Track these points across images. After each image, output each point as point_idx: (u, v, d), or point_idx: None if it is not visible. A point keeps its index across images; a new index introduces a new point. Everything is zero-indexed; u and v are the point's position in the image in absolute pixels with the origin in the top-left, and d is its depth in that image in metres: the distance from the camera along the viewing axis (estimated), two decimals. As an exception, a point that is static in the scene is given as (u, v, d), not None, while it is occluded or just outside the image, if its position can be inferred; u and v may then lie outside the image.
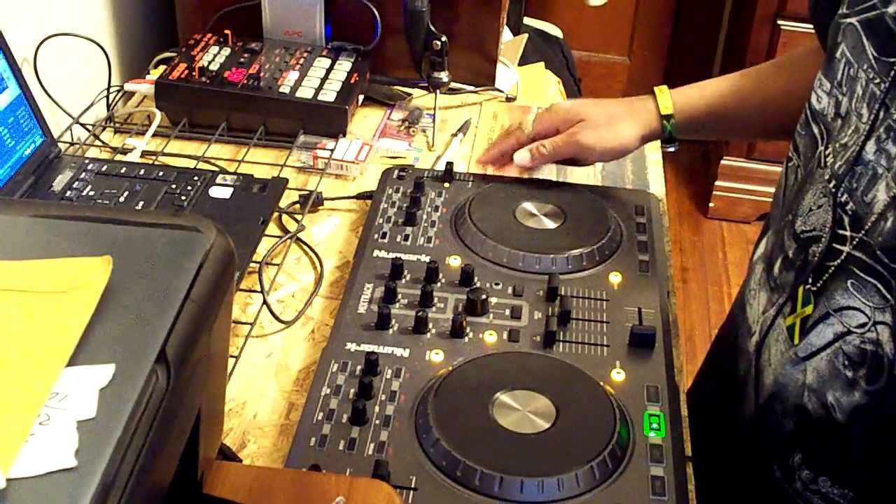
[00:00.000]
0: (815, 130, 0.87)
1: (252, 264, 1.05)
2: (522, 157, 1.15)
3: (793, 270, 0.87)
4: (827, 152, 0.84)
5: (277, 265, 1.08)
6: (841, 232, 0.80)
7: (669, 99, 1.10)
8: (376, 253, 1.05)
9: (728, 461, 1.01)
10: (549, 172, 1.28)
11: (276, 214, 1.14)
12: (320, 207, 1.19)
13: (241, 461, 0.85)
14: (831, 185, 0.82)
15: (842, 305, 0.80)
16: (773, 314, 0.90)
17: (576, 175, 1.28)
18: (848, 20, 0.81)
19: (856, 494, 0.84)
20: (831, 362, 0.82)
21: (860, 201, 0.78)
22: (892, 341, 0.76)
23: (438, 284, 1.00)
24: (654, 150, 1.35)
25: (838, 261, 0.80)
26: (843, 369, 0.80)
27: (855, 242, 0.79)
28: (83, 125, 1.29)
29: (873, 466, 0.82)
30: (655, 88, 1.11)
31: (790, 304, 0.87)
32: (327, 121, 1.29)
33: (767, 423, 0.92)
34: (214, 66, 1.31)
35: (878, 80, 0.77)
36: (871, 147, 0.78)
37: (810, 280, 0.84)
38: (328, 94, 1.30)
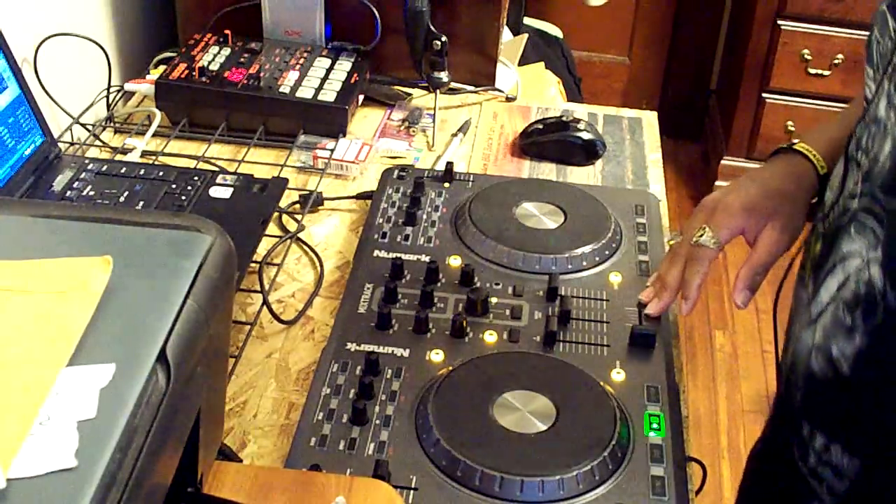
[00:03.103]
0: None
1: (252, 264, 1.05)
2: (745, 298, 0.97)
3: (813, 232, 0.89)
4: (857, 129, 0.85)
5: (277, 265, 1.08)
6: (852, 187, 0.81)
7: (821, 156, 0.98)
8: (376, 253, 1.05)
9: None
10: (549, 172, 1.29)
11: (276, 214, 1.14)
12: (320, 207, 1.19)
13: (241, 461, 0.85)
14: (848, 146, 0.82)
15: (844, 253, 0.80)
16: (797, 283, 0.91)
17: (576, 175, 1.28)
18: (881, 8, 0.82)
19: (863, 463, 0.83)
20: (834, 314, 0.82)
21: (873, 158, 0.78)
22: (882, 274, 0.76)
23: (438, 284, 1.00)
24: (654, 150, 1.35)
25: (847, 215, 0.81)
26: (843, 317, 0.80)
27: (859, 192, 0.79)
28: (83, 125, 1.29)
29: (881, 424, 0.82)
30: (798, 147, 0.98)
31: (806, 252, 0.88)
32: (327, 121, 1.29)
33: (786, 397, 0.92)
34: (214, 66, 1.31)
35: (890, 43, 0.78)
36: (882, 104, 0.78)
37: (821, 226, 0.85)
38: (328, 94, 1.30)
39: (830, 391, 0.83)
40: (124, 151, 1.24)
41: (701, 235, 0.95)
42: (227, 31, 1.38)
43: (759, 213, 0.95)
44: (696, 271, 0.96)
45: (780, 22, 2.56)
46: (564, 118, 1.31)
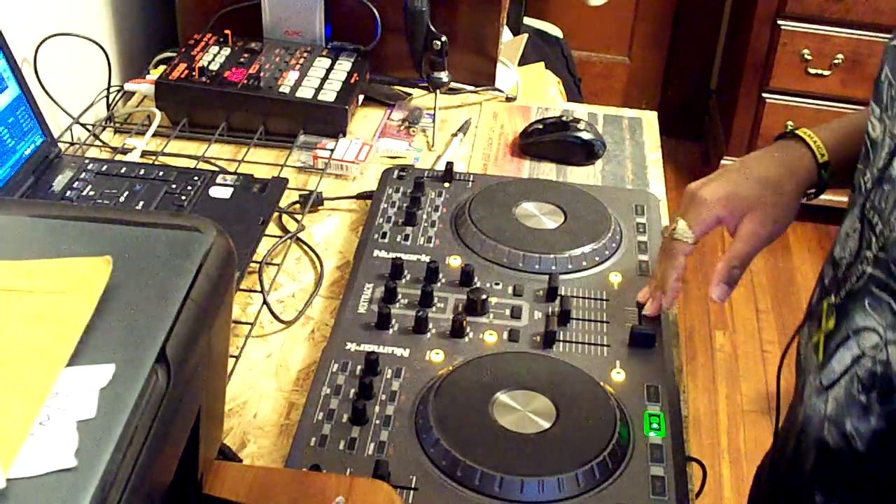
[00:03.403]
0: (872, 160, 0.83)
1: (252, 264, 1.05)
2: (721, 292, 0.92)
3: (825, 295, 0.84)
4: (866, 178, 0.80)
5: (277, 265, 1.08)
6: (867, 253, 0.77)
7: (822, 143, 0.92)
8: (376, 253, 1.05)
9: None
10: (549, 172, 1.29)
11: (276, 214, 1.14)
12: (320, 207, 1.19)
13: (241, 461, 0.85)
14: (863, 205, 0.78)
15: (859, 327, 0.77)
16: (805, 340, 0.87)
17: (576, 175, 1.28)
18: (893, 42, 0.78)
19: None
20: (848, 389, 0.78)
21: (887, 221, 0.74)
22: None
23: (438, 284, 1.00)
24: (653, 150, 1.35)
25: (861, 281, 0.77)
26: (858, 395, 0.77)
27: (876, 259, 0.75)
28: (83, 125, 1.29)
29: None
30: (799, 132, 0.93)
31: (817, 322, 0.83)
32: (327, 121, 1.29)
33: (795, 461, 0.88)
34: (214, 66, 1.31)
35: None
36: None
37: (833, 296, 0.81)
38: (328, 94, 1.30)
39: (845, 463, 0.80)
40: (124, 151, 1.24)
41: (674, 229, 0.92)
42: (227, 31, 1.38)
43: (737, 203, 0.90)
44: (672, 265, 0.93)
45: (780, 22, 2.56)
46: (564, 118, 1.31)
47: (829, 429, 0.81)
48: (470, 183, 1.17)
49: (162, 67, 1.36)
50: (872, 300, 0.75)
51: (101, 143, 1.28)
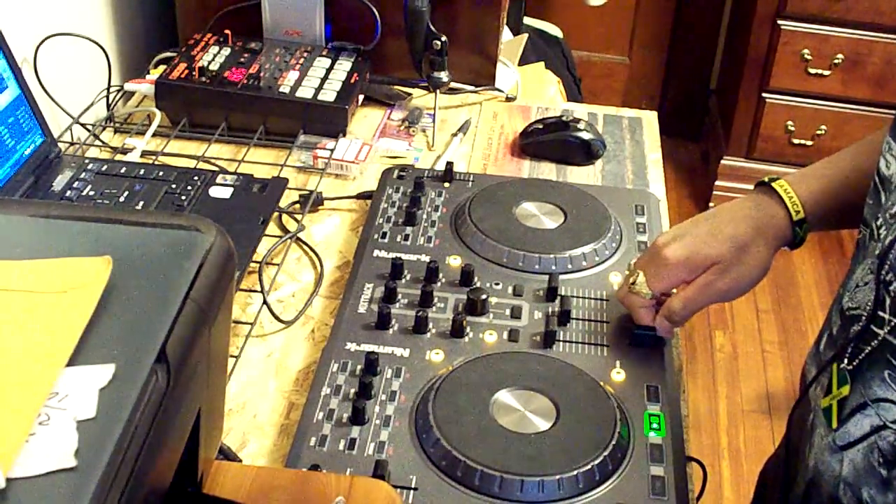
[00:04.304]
0: (882, 199, 0.79)
1: (252, 264, 1.05)
2: (663, 327, 0.93)
3: (833, 349, 0.81)
4: (879, 223, 0.77)
5: (277, 265, 1.08)
6: (881, 314, 0.74)
7: (798, 200, 0.89)
8: (376, 253, 1.05)
9: None
10: (549, 172, 1.29)
11: (276, 214, 1.14)
12: (320, 207, 1.19)
13: (241, 461, 0.85)
14: (880, 260, 0.74)
15: (879, 396, 0.74)
16: (815, 392, 0.85)
17: (576, 175, 1.28)
18: None
19: None
20: (867, 457, 0.76)
21: None
22: None
23: (438, 284, 1.00)
24: (653, 150, 1.35)
25: (874, 343, 0.74)
26: (878, 466, 0.75)
27: (892, 326, 0.72)
28: (83, 125, 1.29)
29: None
30: (776, 185, 0.90)
31: (826, 382, 0.81)
32: (327, 121, 1.29)
33: None
34: (214, 66, 1.31)
35: None
36: None
37: (845, 360, 0.78)
38: (328, 94, 1.30)
39: None
40: (124, 151, 1.24)
41: (633, 282, 0.92)
42: (227, 31, 1.38)
43: (699, 261, 0.88)
44: (639, 319, 0.93)
45: (780, 22, 2.56)
46: (564, 118, 1.31)
47: (845, 491, 0.78)
48: (470, 183, 1.17)
49: (162, 67, 1.36)
50: (892, 371, 0.72)
51: (101, 143, 1.27)
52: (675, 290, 0.92)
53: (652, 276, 0.91)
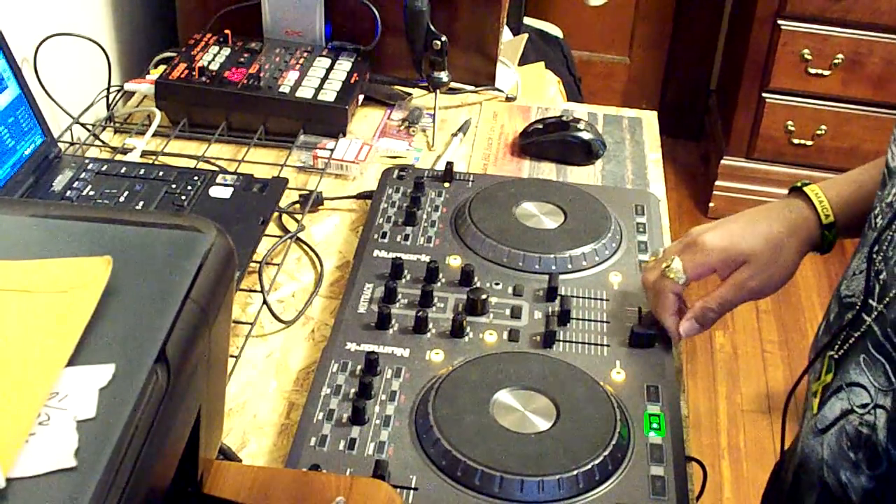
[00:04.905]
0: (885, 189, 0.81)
1: (252, 264, 1.05)
2: (690, 328, 0.93)
3: (828, 336, 0.83)
4: (876, 212, 0.79)
5: (277, 265, 1.08)
6: (871, 302, 0.75)
7: (828, 204, 0.91)
8: (376, 253, 1.05)
9: None
10: (549, 172, 1.29)
11: (276, 214, 1.14)
12: (320, 207, 1.19)
13: (241, 461, 0.85)
14: (872, 246, 0.76)
15: (852, 381, 0.76)
16: (811, 378, 0.87)
17: (576, 175, 1.28)
18: None
19: None
20: (839, 441, 0.78)
21: (892, 271, 0.73)
22: (887, 428, 0.71)
23: (438, 284, 1.00)
24: (653, 150, 1.35)
25: (859, 332, 0.75)
26: (847, 450, 0.76)
27: (875, 315, 0.74)
28: (83, 125, 1.29)
29: None
30: (807, 189, 0.92)
31: (819, 368, 0.83)
32: (327, 121, 1.29)
33: (796, 494, 0.88)
34: (214, 66, 1.31)
35: None
36: None
37: (835, 348, 0.80)
38: (328, 94, 1.30)
39: None
40: (124, 151, 1.24)
41: (668, 266, 0.92)
42: (227, 31, 1.38)
43: (734, 255, 0.90)
44: (664, 306, 0.93)
45: (780, 22, 2.56)
46: (564, 118, 1.31)
47: (828, 473, 0.80)
48: (470, 183, 1.17)
49: (162, 67, 1.36)
50: (868, 357, 0.74)
51: (101, 143, 1.28)
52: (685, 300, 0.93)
53: (689, 261, 0.91)
